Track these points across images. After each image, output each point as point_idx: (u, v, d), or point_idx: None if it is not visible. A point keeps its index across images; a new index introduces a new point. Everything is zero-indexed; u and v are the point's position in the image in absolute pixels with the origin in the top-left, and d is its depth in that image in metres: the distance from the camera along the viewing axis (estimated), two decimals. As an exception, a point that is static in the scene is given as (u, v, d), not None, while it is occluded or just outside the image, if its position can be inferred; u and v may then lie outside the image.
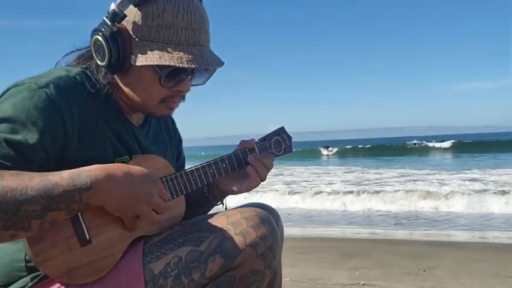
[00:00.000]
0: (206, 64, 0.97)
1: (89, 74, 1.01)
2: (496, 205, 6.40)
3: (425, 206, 6.93)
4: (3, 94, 0.93)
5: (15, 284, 0.95)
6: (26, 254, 0.93)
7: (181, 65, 0.94)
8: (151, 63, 0.95)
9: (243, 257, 0.96)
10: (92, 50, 0.99)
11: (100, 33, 0.96)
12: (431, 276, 2.86)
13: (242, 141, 1.20)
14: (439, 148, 27.62)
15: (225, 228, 0.98)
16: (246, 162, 1.15)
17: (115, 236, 0.95)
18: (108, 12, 0.96)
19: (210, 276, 0.96)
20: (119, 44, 0.95)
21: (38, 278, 0.94)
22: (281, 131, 1.26)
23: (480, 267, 3.07)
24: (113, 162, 0.98)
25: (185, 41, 0.96)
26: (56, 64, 1.06)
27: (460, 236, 4.90)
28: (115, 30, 0.95)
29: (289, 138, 1.26)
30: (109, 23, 0.95)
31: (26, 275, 0.95)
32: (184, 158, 1.33)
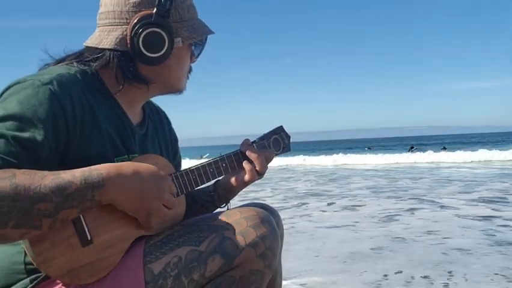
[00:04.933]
0: (211, 30, 1.12)
1: (89, 72, 1.01)
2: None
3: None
4: (4, 92, 0.92)
5: (14, 286, 0.95)
6: (25, 257, 0.93)
7: (209, 35, 1.10)
8: (197, 38, 1.07)
9: (243, 257, 0.96)
10: (141, 44, 1.00)
11: (156, 25, 1.00)
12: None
13: (244, 142, 1.20)
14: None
15: (224, 228, 0.98)
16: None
17: (116, 236, 0.94)
18: (143, 4, 1.00)
19: (210, 276, 0.96)
20: (173, 31, 1.02)
21: (38, 279, 0.94)
22: (280, 130, 1.27)
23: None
24: (113, 161, 0.98)
25: (197, 15, 1.10)
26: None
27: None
28: (168, 19, 1.01)
29: (288, 137, 1.28)
30: (163, 14, 1.00)
31: (26, 277, 0.95)
32: (180, 156, 1.34)
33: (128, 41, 1.00)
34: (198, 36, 1.07)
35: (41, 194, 0.80)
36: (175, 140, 1.33)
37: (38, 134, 0.87)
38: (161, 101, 1.27)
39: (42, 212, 0.80)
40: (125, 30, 1.01)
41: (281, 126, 1.28)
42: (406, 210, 5.26)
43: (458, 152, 18.12)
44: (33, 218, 0.80)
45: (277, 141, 1.25)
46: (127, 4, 1.01)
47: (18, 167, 0.83)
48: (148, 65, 1.03)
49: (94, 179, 0.85)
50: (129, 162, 0.94)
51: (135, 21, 1.00)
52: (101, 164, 0.89)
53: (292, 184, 9.50)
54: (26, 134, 0.86)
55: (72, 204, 0.83)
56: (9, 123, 0.85)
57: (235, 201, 1.24)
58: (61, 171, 0.85)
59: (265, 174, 1.18)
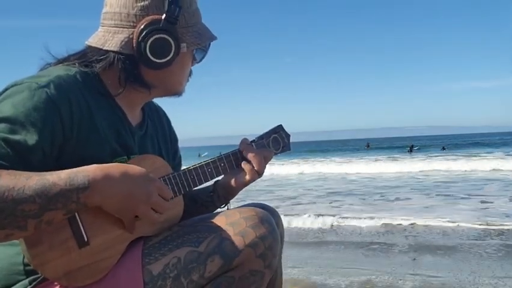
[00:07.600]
0: (215, 35, 1.12)
1: (89, 73, 1.00)
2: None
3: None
4: (2, 93, 0.91)
5: (13, 287, 0.94)
6: (24, 258, 0.92)
7: (212, 41, 1.10)
8: (201, 45, 1.07)
9: (242, 257, 0.96)
10: (148, 49, 0.99)
11: (164, 32, 0.99)
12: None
13: (242, 141, 1.20)
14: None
15: (224, 229, 0.97)
16: (245, 161, 1.15)
17: (113, 238, 0.94)
18: (151, 8, 0.99)
19: (209, 277, 0.96)
20: (179, 38, 1.02)
21: (37, 281, 0.93)
22: (279, 129, 1.26)
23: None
24: (110, 162, 0.97)
25: (201, 18, 1.09)
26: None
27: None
28: (175, 25, 1.01)
29: (288, 136, 1.26)
30: (172, 20, 0.99)
31: (25, 278, 0.94)
32: (180, 156, 1.33)
33: (134, 45, 0.99)
34: (202, 42, 1.07)
35: (24, 195, 0.79)
36: (175, 139, 1.32)
37: (30, 138, 0.86)
38: (161, 100, 1.27)
39: (27, 213, 0.80)
40: (132, 34, 1.00)
41: (280, 125, 1.26)
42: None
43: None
44: (17, 218, 0.79)
45: (277, 141, 1.24)
46: (134, 7, 1.00)
47: (8, 169, 0.82)
48: (152, 69, 1.02)
49: (79, 181, 0.84)
50: (119, 164, 0.93)
51: (142, 26, 0.98)
52: (90, 165, 0.88)
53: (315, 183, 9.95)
54: (17, 137, 0.85)
55: (56, 206, 0.82)
56: (1, 126, 0.85)
57: (240, 198, 1.23)
58: (47, 173, 0.84)
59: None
